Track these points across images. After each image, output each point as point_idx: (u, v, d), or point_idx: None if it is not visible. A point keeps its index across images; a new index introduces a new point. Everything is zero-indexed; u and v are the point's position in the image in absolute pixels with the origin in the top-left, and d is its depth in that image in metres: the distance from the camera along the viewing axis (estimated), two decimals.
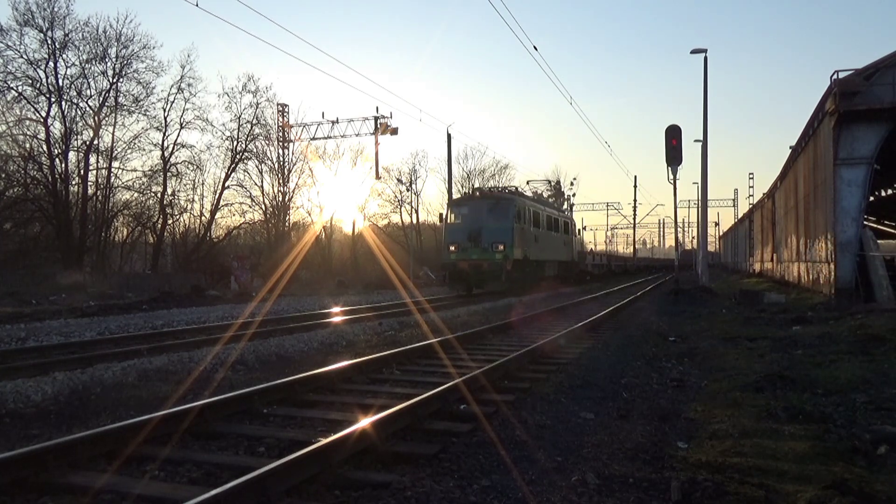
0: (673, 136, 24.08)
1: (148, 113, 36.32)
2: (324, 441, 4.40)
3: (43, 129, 32.81)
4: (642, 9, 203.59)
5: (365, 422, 4.88)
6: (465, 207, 25.29)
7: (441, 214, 27.25)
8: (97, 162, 35.12)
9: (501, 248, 23.54)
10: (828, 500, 3.78)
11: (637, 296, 23.40)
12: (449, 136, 36.30)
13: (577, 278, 37.22)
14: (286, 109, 40.28)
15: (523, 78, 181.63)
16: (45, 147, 32.96)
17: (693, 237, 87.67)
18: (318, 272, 40.24)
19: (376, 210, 51.61)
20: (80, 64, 33.49)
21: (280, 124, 40.07)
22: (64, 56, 33.13)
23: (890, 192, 36.93)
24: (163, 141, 37.09)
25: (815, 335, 11.01)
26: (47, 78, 32.83)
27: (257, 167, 41.80)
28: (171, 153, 37.47)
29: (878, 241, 20.17)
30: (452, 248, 24.23)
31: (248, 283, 28.08)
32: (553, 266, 30.66)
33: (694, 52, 25.53)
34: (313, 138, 38.68)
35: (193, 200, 43.89)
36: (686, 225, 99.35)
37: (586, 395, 6.69)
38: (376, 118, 36.02)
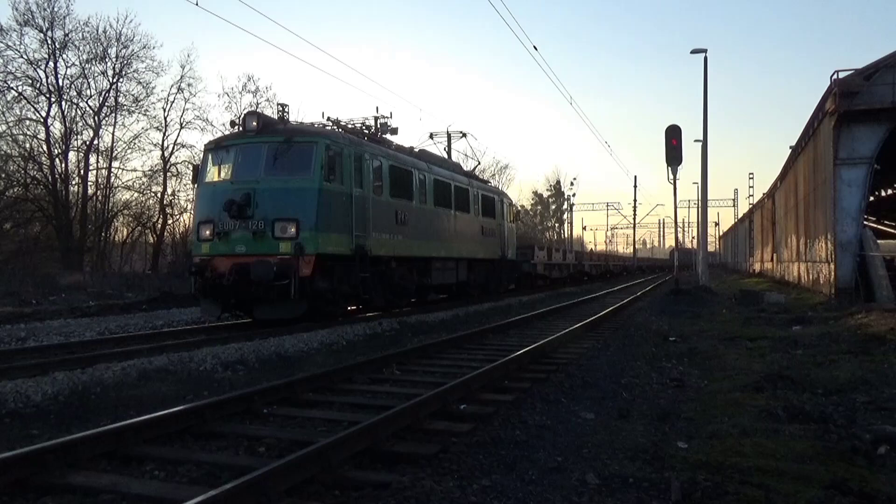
0: (673, 136, 24.08)
1: (148, 113, 36.30)
2: (324, 441, 4.41)
3: (43, 129, 32.85)
4: (642, 9, 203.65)
5: (365, 422, 4.88)
6: (232, 152, 12.99)
7: (195, 168, 14.49)
8: (97, 162, 35.17)
9: (292, 230, 12.00)
10: (828, 500, 3.78)
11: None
12: (449, 135, 36.25)
13: (511, 286, 25.69)
14: (286, 109, 40.23)
15: (523, 78, 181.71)
16: (45, 147, 32.99)
17: (693, 237, 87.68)
18: None
19: None
20: (80, 64, 33.51)
21: None
22: (64, 56, 33.15)
23: (890, 192, 36.94)
24: (163, 141, 37.07)
25: (815, 335, 11.01)
26: (47, 78, 32.86)
27: None
28: (171, 153, 37.46)
29: (878, 241, 20.16)
30: (206, 232, 12.59)
31: None
32: (456, 268, 18.93)
33: (694, 52, 25.57)
34: None
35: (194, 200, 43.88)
36: (686, 225, 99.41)
37: (586, 395, 6.70)
38: (376, 118, 35.98)
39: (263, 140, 12.80)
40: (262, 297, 11.81)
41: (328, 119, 15.92)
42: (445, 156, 32.25)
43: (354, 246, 13.25)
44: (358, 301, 14.36)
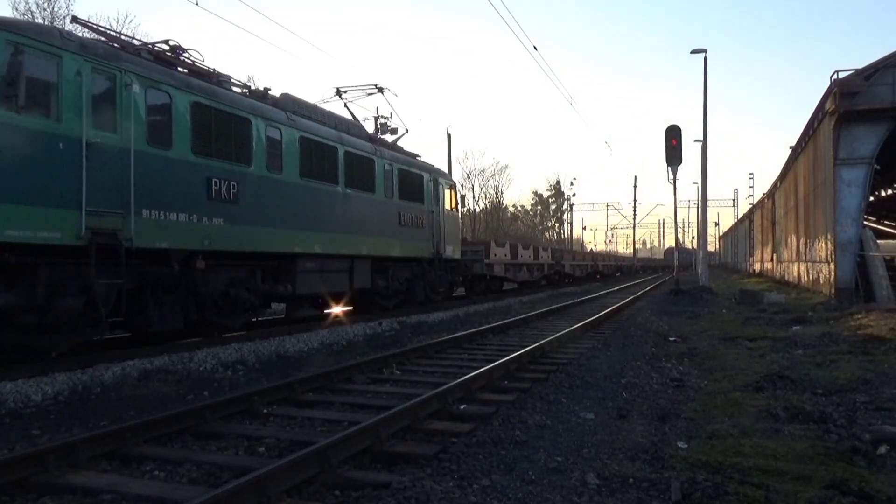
0: (673, 136, 24.06)
1: None
2: (324, 441, 4.41)
3: None
4: (642, 9, 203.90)
5: (365, 422, 4.89)
6: None
7: None
8: None
9: None
10: (828, 500, 3.78)
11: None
12: (449, 136, 36.33)
13: (460, 291, 22.18)
14: None
15: (523, 78, 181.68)
16: None
17: (693, 237, 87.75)
18: None
19: None
20: None
21: None
22: None
23: (890, 192, 36.95)
24: None
25: (815, 335, 11.01)
26: None
27: None
28: None
29: (878, 241, 20.18)
30: None
31: None
32: (350, 270, 13.45)
33: (694, 52, 25.56)
34: None
35: None
36: (686, 225, 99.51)
37: (586, 395, 6.70)
38: (376, 118, 36.02)
39: None
40: None
41: (72, 18, 10.33)
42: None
43: (87, 230, 7.81)
44: (108, 326, 8.49)
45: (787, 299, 19.86)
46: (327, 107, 14.29)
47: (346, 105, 16.00)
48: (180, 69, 10.02)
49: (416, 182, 16.57)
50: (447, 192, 18.60)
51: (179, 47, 10.30)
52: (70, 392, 6.69)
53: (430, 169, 17.73)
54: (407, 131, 18.38)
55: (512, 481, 4.12)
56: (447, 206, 18.43)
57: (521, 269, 27.35)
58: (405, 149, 17.13)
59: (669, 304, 19.69)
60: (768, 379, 7.19)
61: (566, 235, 79.73)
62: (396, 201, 15.40)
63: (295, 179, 11.61)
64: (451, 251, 18.53)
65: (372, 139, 15.25)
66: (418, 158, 17.51)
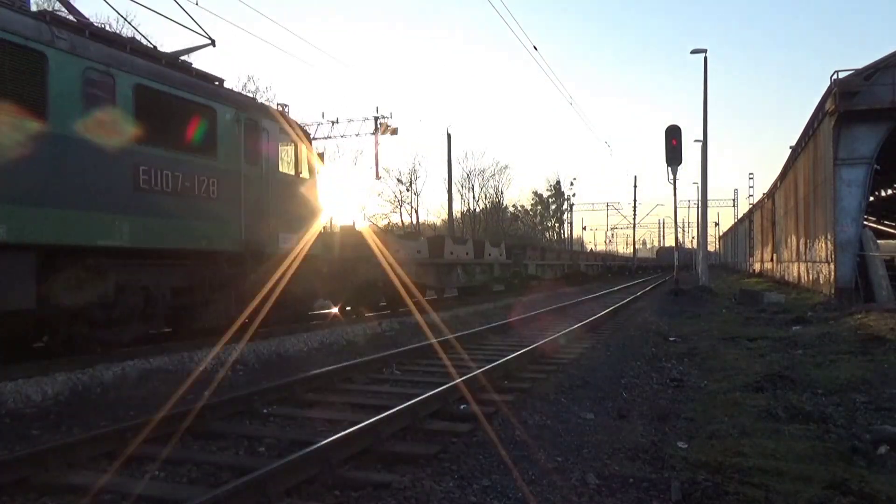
0: (673, 136, 24.07)
1: None
2: (323, 441, 4.41)
3: None
4: (642, 9, 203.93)
5: (365, 422, 4.89)
6: None
7: None
8: None
9: None
10: (828, 500, 3.78)
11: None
12: (449, 136, 36.33)
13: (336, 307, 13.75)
14: (286, 109, 40.26)
15: (523, 78, 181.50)
16: None
17: (693, 237, 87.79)
18: None
19: (376, 210, 51.58)
20: None
21: None
22: None
23: (890, 192, 36.97)
24: None
25: (815, 335, 11.01)
26: None
27: None
28: None
29: (878, 241, 20.19)
30: None
31: None
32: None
33: (694, 52, 25.61)
34: (313, 138, 38.73)
35: None
36: (686, 225, 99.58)
37: (586, 395, 6.70)
38: (376, 118, 36.06)
39: None
40: None
41: None
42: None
43: None
44: None
45: (787, 299, 19.86)
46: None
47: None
48: None
49: (196, 118, 9.30)
50: (287, 146, 11.25)
51: None
52: (70, 392, 6.69)
53: (235, 100, 10.29)
54: (213, 43, 10.71)
55: (512, 481, 4.12)
56: (285, 169, 11.08)
57: (451, 271, 19.85)
58: (200, 70, 9.96)
59: (669, 304, 19.70)
60: (768, 379, 7.19)
61: (566, 235, 79.77)
62: (131, 146, 8.06)
63: None
64: (294, 242, 11.00)
65: (56, 20, 7.73)
66: (221, 87, 10.32)
